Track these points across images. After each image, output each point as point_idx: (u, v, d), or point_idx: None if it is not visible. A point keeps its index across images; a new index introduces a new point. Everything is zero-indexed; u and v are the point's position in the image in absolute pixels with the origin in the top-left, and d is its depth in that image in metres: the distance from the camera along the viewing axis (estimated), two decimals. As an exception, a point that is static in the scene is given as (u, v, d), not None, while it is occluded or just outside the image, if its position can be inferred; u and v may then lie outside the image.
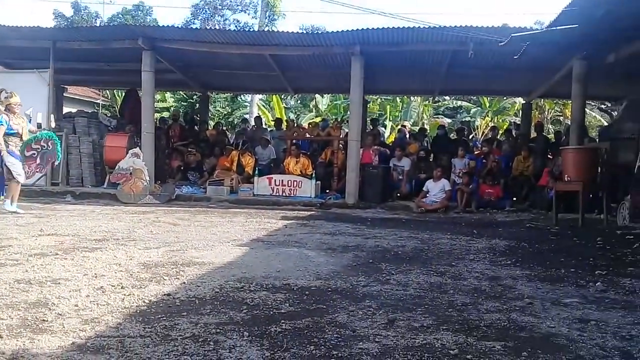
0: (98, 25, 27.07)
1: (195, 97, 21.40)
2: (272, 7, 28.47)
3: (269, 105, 24.31)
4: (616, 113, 11.07)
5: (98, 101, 23.21)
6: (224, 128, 18.19)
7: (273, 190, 11.06)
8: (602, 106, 20.19)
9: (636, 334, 2.89)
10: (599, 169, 8.04)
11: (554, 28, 7.28)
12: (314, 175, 11.18)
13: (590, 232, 6.88)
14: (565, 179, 7.70)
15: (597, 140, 10.98)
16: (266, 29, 22.85)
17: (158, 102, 21.88)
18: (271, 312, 3.15)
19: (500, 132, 15.31)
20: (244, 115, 22.40)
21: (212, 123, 18.30)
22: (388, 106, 23.04)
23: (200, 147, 13.28)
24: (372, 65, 11.00)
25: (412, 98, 22.37)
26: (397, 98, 22.36)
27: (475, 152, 12.72)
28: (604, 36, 8.03)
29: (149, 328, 2.80)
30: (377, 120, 15.92)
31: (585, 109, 17.67)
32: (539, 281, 4.21)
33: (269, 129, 15.75)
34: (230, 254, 4.98)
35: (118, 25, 13.09)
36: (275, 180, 11.16)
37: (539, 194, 10.00)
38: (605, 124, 17.16)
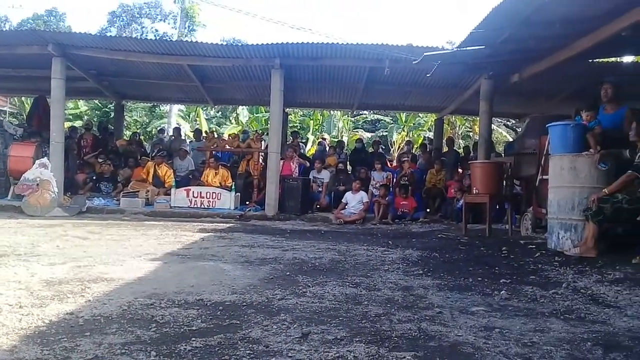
0: (6, 29, 25.46)
1: (110, 105, 20.60)
2: (192, 17, 28.05)
3: (189, 116, 23.83)
4: (520, 129, 11.78)
5: (4, 108, 21.79)
6: (140, 138, 17.61)
7: (191, 202, 10.82)
8: (508, 123, 21.46)
9: (537, 340, 3.05)
10: (505, 182, 8.51)
11: (463, 49, 7.67)
12: (233, 187, 11.05)
13: (496, 241, 7.24)
14: (474, 191, 8.07)
15: (503, 154, 11.66)
16: (185, 39, 22.43)
17: (70, 109, 20.85)
18: (182, 330, 3.05)
19: (416, 146, 15.89)
20: (162, 126, 21.81)
21: (127, 133, 17.66)
22: (308, 119, 23.27)
23: (110, 157, 12.76)
24: (292, 78, 11.09)
25: (332, 111, 22.72)
26: (318, 111, 22.63)
27: (393, 165, 13.11)
28: (508, 57, 8.56)
29: (47, 350, 2.62)
30: (297, 132, 16.04)
31: (492, 125, 18.72)
32: (449, 290, 4.36)
33: (188, 140, 15.42)
34: (141, 269, 4.79)
35: (26, 30, 12.35)
36: (193, 192, 10.92)
37: (450, 205, 10.43)
38: (511, 139, 18.24)
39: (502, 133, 22.94)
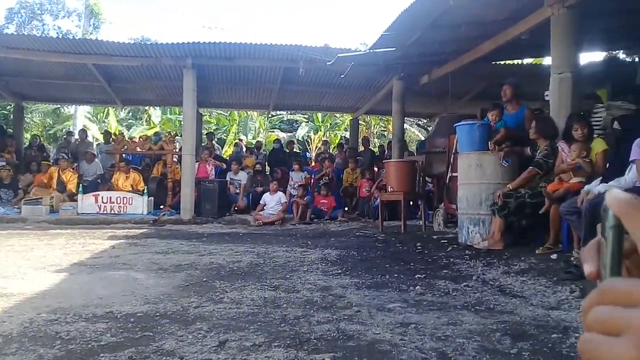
0: None
1: (9, 107, 19.19)
2: (97, 14, 26.74)
3: (97, 117, 22.72)
4: (431, 129, 12.24)
5: None
6: (42, 142, 16.55)
7: (100, 208, 10.31)
8: (420, 122, 22.24)
9: (450, 334, 3.15)
10: (417, 179, 8.78)
11: (375, 50, 7.84)
12: (145, 191, 10.63)
13: (411, 238, 7.45)
14: (389, 189, 8.27)
15: (416, 153, 12.05)
16: (90, 37, 21.35)
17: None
18: (89, 345, 2.87)
19: (333, 146, 16.08)
20: (69, 128, 20.63)
21: (28, 136, 16.53)
22: (224, 120, 22.92)
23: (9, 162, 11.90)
24: (206, 78, 10.86)
25: (248, 112, 22.51)
26: (234, 112, 22.34)
27: (311, 165, 13.18)
28: (418, 59, 8.85)
29: None
30: (212, 134, 15.73)
31: (405, 125, 19.26)
32: (366, 288, 4.42)
33: (95, 143, 14.69)
34: (45, 282, 4.48)
35: None
36: (102, 197, 10.41)
37: (367, 203, 10.64)
38: (423, 138, 18.91)
39: (415, 132, 23.72)
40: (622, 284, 0.36)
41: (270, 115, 24.08)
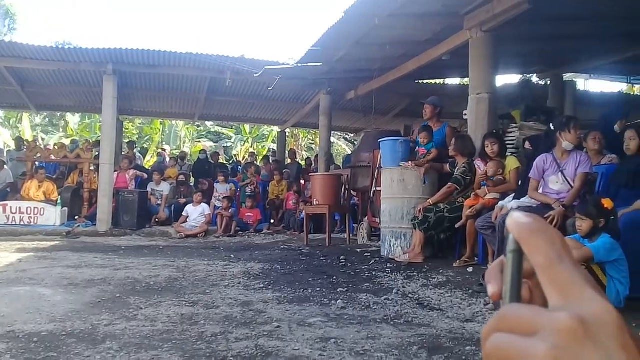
0: None
1: None
2: (12, 15, 25.28)
3: (9, 123, 21.42)
4: (356, 143, 12.44)
5: None
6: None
7: (9, 219, 9.66)
8: (347, 136, 22.60)
9: (369, 348, 3.15)
10: (343, 193, 8.87)
11: (302, 65, 7.88)
12: (59, 201, 10.07)
13: (336, 251, 7.48)
14: (314, 202, 8.29)
15: (342, 167, 12.19)
16: (5, 39, 20.14)
17: None
18: (-17, 370, 2.64)
19: (259, 158, 15.98)
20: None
21: None
22: (148, 128, 22.24)
23: None
24: (128, 85, 10.50)
25: (174, 121, 21.98)
26: (157, 120, 21.73)
27: (236, 177, 13.01)
28: (344, 75, 8.99)
29: None
30: (134, 142, 15.19)
31: (332, 139, 19.47)
32: (288, 303, 4.37)
33: (5, 149, 13.79)
34: (-62, 301, 4.10)
35: None
36: (11, 208, 9.76)
37: (293, 216, 10.61)
38: (349, 152, 19.20)
39: (342, 146, 24.07)
40: (520, 312, 0.35)
41: (197, 125, 23.63)
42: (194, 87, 11.47)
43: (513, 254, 0.38)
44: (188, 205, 10.36)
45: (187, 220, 10.12)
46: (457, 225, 5.81)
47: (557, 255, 0.35)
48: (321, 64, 8.01)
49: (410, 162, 6.47)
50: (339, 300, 4.39)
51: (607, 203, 3.58)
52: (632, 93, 14.59)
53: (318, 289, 4.92)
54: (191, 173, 13.32)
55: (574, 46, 8.17)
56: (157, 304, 4.24)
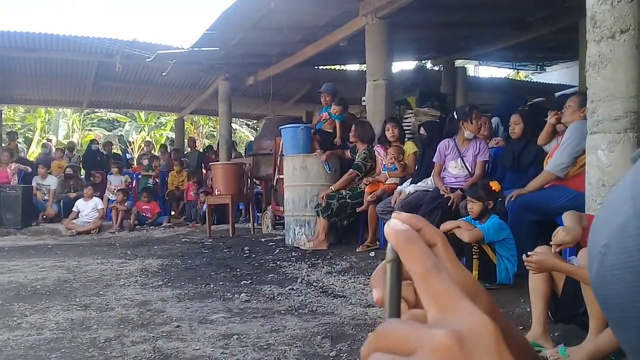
0: None
1: None
2: None
3: None
4: (258, 130, 12.30)
5: None
6: None
7: None
8: (249, 123, 22.29)
9: (273, 342, 3.08)
10: (246, 181, 8.71)
11: (197, 49, 7.58)
12: None
13: (240, 241, 7.33)
14: (216, 192, 8.07)
15: (244, 155, 11.98)
16: None
17: None
18: None
19: (157, 147, 15.32)
20: None
21: None
22: (31, 117, 20.61)
23: None
24: (6, 70, 9.59)
25: (60, 109, 20.53)
26: (42, 108, 20.20)
27: (132, 168, 12.40)
28: (242, 60, 8.79)
29: None
30: (15, 133, 13.97)
31: (235, 125, 19.09)
32: (189, 300, 4.20)
33: None
34: None
35: None
36: None
37: (194, 207, 10.30)
38: (252, 139, 18.97)
39: (245, 132, 23.72)
40: (398, 329, 0.34)
41: (87, 113, 22.23)
42: (80, 72, 10.70)
43: (391, 263, 0.37)
44: (79, 200, 9.71)
45: (79, 216, 9.49)
46: (358, 210, 5.88)
47: (434, 264, 0.35)
48: (217, 48, 7.75)
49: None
50: (243, 294, 4.28)
51: (494, 186, 3.76)
52: (517, 78, 15.58)
53: (221, 283, 4.78)
54: (81, 165, 12.49)
55: (464, 33, 8.55)
56: (44, 309, 3.91)
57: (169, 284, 4.82)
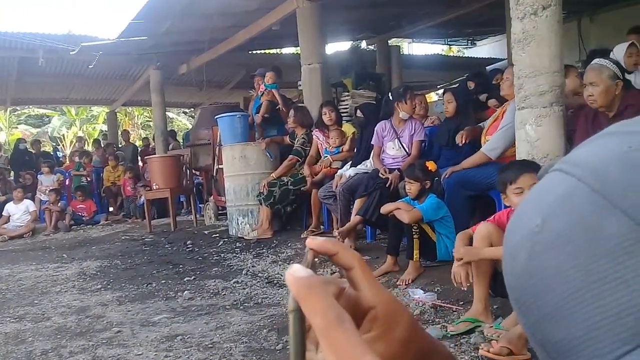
0: None
1: None
2: None
3: None
4: (194, 120, 12.03)
5: None
6: None
7: None
8: (186, 111, 21.75)
9: (218, 339, 3.03)
10: (185, 173, 8.51)
11: (123, 39, 7.28)
12: None
13: (182, 235, 7.17)
14: (154, 186, 7.84)
15: (182, 145, 11.68)
16: None
17: None
18: None
19: (90, 142, 14.74)
20: None
21: None
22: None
23: None
24: None
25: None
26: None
27: (64, 166, 11.88)
28: (173, 48, 8.52)
29: None
30: None
31: (172, 115, 18.61)
32: (130, 302, 4.07)
33: None
34: None
35: None
36: None
37: (133, 202, 9.99)
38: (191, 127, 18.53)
39: (182, 121, 23.15)
40: None
41: (12, 110, 21.06)
42: (1, 69, 10.08)
43: (294, 313, 0.35)
44: (8, 203, 9.20)
45: (10, 220, 9.01)
46: (302, 189, 5.83)
47: (337, 316, 0.33)
48: (146, 37, 7.46)
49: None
50: (186, 291, 4.19)
51: (431, 165, 3.80)
52: (449, 54, 15.89)
53: (163, 282, 4.66)
54: (9, 166, 11.85)
55: (396, 12, 8.59)
56: (-28, 326, 3.69)
57: (109, 286, 4.66)
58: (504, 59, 9.23)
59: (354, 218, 4.70)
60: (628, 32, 5.22)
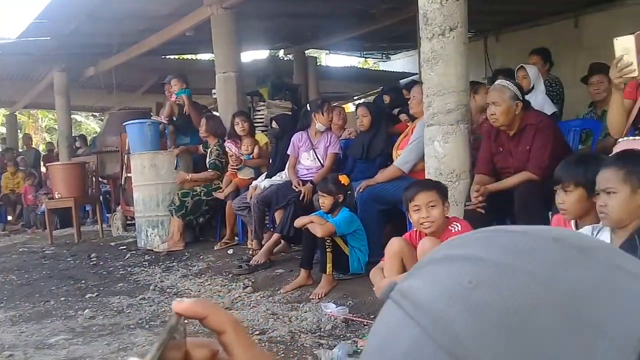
0: None
1: None
2: None
3: None
4: (101, 126, 11.49)
5: None
6: None
7: None
8: (95, 114, 20.74)
9: (120, 362, 2.87)
10: (91, 181, 8.07)
11: (25, 39, 6.81)
12: None
13: (86, 247, 6.78)
14: (56, 195, 7.38)
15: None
16: None
17: None
18: None
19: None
20: None
21: None
22: None
23: None
24: None
25: None
26: None
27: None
28: (80, 50, 8.10)
29: None
30: None
31: (80, 118, 17.68)
32: (24, 322, 3.78)
33: None
34: None
35: None
36: None
37: (33, 211, 9.36)
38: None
39: (92, 126, 22.06)
40: None
41: None
42: None
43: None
44: None
45: None
46: (215, 194, 5.68)
47: None
48: (49, 38, 7.02)
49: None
50: (87, 309, 3.95)
51: (343, 179, 3.84)
52: (365, 66, 16.23)
53: (63, 299, 4.36)
54: None
55: (313, 24, 8.66)
56: None
57: (1, 305, 4.31)
58: (417, 74, 9.55)
59: (274, 236, 4.66)
60: (530, 52, 5.56)
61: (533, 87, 4.65)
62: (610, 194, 1.94)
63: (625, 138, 2.72)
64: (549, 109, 4.40)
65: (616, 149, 2.62)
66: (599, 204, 1.99)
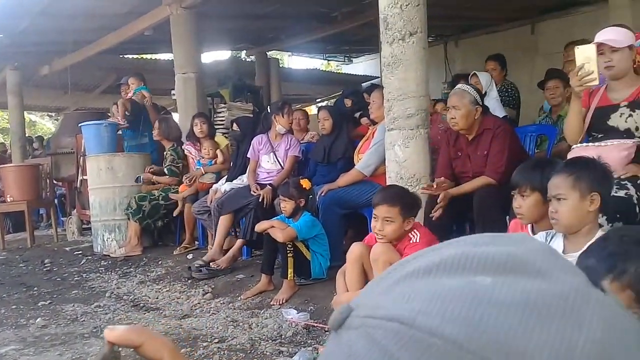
0: None
1: None
2: None
3: None
4: (56, 127, 11.15)
5: None
6: None
7: None
8: (51, 114, 20.13)
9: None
10: (45, 184, 7.81)
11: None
12: None
13: (40, 252, 6.56)
14: (8, 198, 7.11)
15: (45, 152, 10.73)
16: None
17: None
18: None
19: None
20: None
21: None
22: None
23: None
24: None
25: None
26: None
27: None
28: (34, 48, 7.84)
29: None
30: None
31: (34, 118, 17.12)
32: (-29, 333, 3.61)
33: None
34: None
35: None
36: None
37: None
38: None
39: (47, 125, 21.42)
40: None
41: None
42: None
43: None
44: None
45: None
46: (175, 214, 5.64)
47: None
48: (1, 35, 6.77)
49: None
50: (39, 318, 3.80)
51: (305, 183, 3.81)
52: (328, 69, 16.25)
53: (14, 307, 4.20)
54: None
55: (275, 25, 8.61)
56: None
57: (-54, 315, 4.10)
58: (379, 77, 9.61)
59: (238, 242, 4.61)
60: (486, 59, 5.66)
61: (485, 93, 4.74)
62: (560, 200, 1.97)
63: (578, 145, 2.79)
64: (499, 113, 4.48)
65: (570, 156, 2.68)
66: (550, 210, 2.02)
